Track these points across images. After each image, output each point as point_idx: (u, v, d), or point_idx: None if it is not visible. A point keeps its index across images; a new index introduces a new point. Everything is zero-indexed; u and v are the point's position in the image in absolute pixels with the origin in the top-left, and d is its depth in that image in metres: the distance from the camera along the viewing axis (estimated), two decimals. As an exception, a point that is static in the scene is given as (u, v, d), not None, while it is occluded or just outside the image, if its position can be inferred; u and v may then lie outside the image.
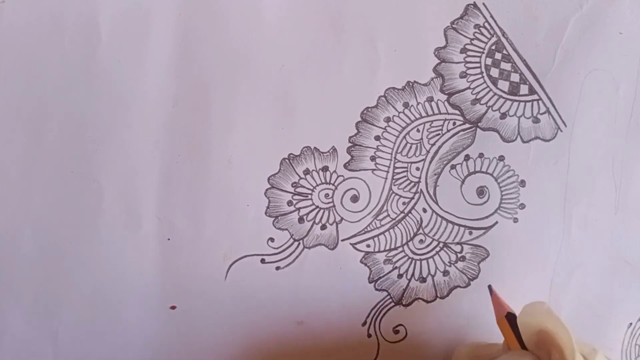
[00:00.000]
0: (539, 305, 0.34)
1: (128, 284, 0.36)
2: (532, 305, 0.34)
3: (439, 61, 0.37)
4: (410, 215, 0.38)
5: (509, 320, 0.35)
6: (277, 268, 0.37)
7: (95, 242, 0.35)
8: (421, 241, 0.39)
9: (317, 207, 0.37)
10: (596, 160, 0.39)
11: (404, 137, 0.37)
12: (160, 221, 0.36)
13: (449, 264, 0.39)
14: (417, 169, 0.38)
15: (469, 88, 0.37)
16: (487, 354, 0.35)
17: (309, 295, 0.38)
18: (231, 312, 0.37)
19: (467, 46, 0.37)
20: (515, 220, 0.39)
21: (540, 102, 0.38)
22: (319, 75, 0.36)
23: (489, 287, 0.39)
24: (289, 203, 0.37)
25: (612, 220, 0.40)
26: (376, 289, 0.39)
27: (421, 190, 0.38)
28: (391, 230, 0.38)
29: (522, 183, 0.39)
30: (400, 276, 0.39)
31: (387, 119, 0.37)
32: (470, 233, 0.39)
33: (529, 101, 0.38)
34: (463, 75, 0.37)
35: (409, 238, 0.38)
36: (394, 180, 0.38)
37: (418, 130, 0.37)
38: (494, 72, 0.37)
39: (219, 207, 0.36)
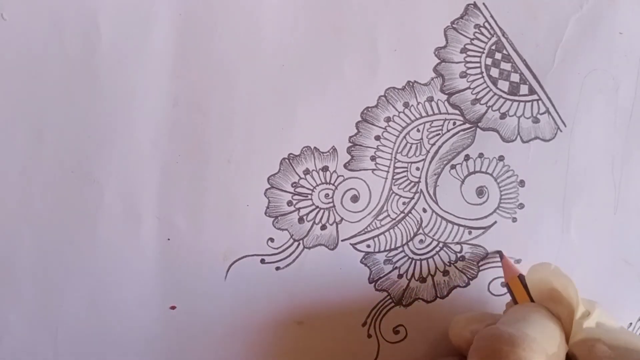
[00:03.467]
0: (547, 265, 0.35)
1: (128, 284, 0.36)
2: (539, 265, 0.35)
3: (439, 61, 0.37)
4: (410, 215, 0.38)
5: (521, 281, 0.36)
6: (277, 268, 0.37)
7: (95, 242, 0.35)
8: (421, 241, 0.39)
9: (317, 207, 0.37)
10: (596, 160, 0.39)
11: (404, 137, 0.37)
12: (160, 221, 0.36)
13: (448, 264, 0.39)
14: (417, 169, 0.38)
15: (469, 88, 0.37)
16: (491, 319, 0.35)
17: (309, 295, 0.38)
18: (231, 312, 0.37)
19: (467, 46, 0.37)
20: (514, 220, 0.39)
21: (540, 102, 0.38)
22: (319, 75, 0.36)
23: (499, 252, 0.39)
24: (289, 203, 0.37)
25: (611, 220, 0.40)
26: (376, 289, 0.39)
27: (421, 190, 0.38)
28: (391, 230, 0.38)
29: (522, 183, 0.39)
30: (400, 276, 0.39)
31: (387, 119, 0.37)
32: (470, 233, 0.39)
33: (528, 101, 0.38)
34: (463, 75, 0.37)
35: (409, 238, 0.38)
36: (394, 180, 0.38)
37: (418, 130, 0.37)
38: (494, 72, 0.37)
39: (218, 207, 0.36)
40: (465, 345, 0.34)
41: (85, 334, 0.36)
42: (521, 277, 0.36)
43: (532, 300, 0.35)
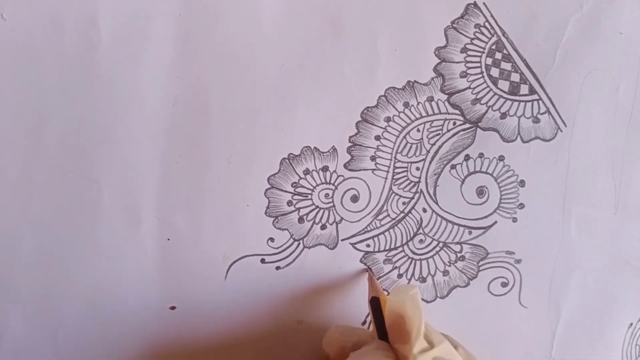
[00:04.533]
0: (406, 288, 0.32)
1: (128, 284, 0.36)
2: (399, 288, 0.32)
3: (439, 61, 0.37)
4: (410, 215, 0.38)
5: (373, 304, 0.33)
6: (277, 268, 0.37)
7: (95, 242, 0.35)
8: (421, 241, 0.39)
9: (317, 207, 0.37)
10: (596, 160, 0.39)
11: (404, 136, 0.37)
12: (160, 221, 0.36)
13: (448, 264, 0.39)
14: (417, 168, 0.38)
15: (469, 88, 0.37)
16: (357, 339, 0.33)
17: (309, 295, 0.38)
18: (231, 312, 0.37)
19: (467, 46, 0.37)
20: (515, 220, 0.39)
21: (540, 102, 0.38)
22: (319, 75, 0.36)
23: (368, 268, 0.37)
24: (289, 203, 0.37)
25: (611, 220, 0.40)
26: (376, 289, 0.39)
27: (421, 190, 0.38)
28: (391, 230, 0.38)
29: (522, 183, 0.39)
30: (400, 276, 0.39)
31: (387, 119, 0.37)
32: (470, 233, 0.39)
33: (529, 101, 0.38)
34: (463, 75, 0.37)
35: (408, 238, 0.38)
36: (394, 180, 0.38)
37: (418, 130, 0.37)
38: (494, 72, 0.37)
39: (218, 207, 0.36)
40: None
41: (85, 334, 0.36)
42: (373, 301, 0.33)
43: (383, 327, 0.32)
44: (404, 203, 0.38)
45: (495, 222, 0.39)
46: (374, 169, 0.37)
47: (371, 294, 0.35)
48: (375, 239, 0.38)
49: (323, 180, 0.37)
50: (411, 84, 0.37)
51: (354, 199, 0.37)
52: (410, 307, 0.31)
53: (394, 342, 0.31)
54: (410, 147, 0.37)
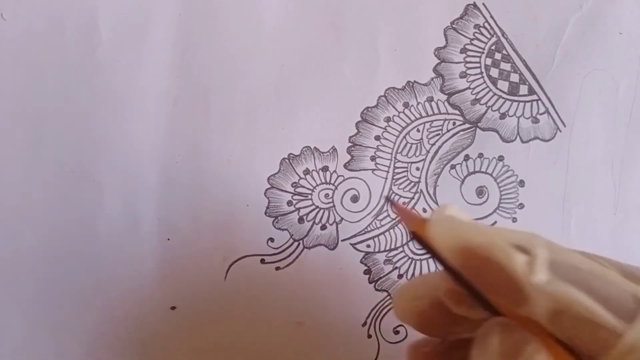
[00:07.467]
0: (447, 208, 0.22)
1: (128, 284, 0.36)
2: (440, 211, 0.22)
3: (439, 61, 0.37)
4: (410, 215, 0.38)
5: (418, 240, 0.22)
6: (277, 268, 0.37)
7: (94, 242, 0.35)
8: (421, 241, 0.39)
9: (317, 207, 0.37)
10: (596, 160, 0.39)
11: (404, 137, 0.37)
12: (160, 221, 0.36)
13: (448, 264, 0.39)
14: (417, 169, 0.38)
15: (468, 88, 0.37)
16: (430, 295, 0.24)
17: (309, 295, 0.38)
18: (231, 312, 0.37)
19: (467, 46, 0.37)
20: (514, 220, 0.39)
21: (539, 102, 0.38)
22: (319, 75, 0.36)
23: (387, 197, 0.30)
24: (289, 203, 0.37)
25: (611, 220, 0.40)
26: (376, 290, 0.39)
27: (421, 190, 0.38)
28: (391, 231, 0.38)
29: (521, 183, 0.39)
30: (400, 276, 0.39)
31: (387, 119, 0.37)
32: (470, 233, 0.39)
33: (528, 101, 0.38)
34: (463, 75, 0.37)
35: (409, 238, 0.38)
36: (394, 180, 0.38)
37: (418, 130, 0.37)
38: (494, 72, 0.37)
39: (219, 207, 0.36)
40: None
41: (85, 334, 0.36)
42: (416, 236, 0.23)
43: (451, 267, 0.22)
44: (404, 203, 0.38)
45: (495, 222, 0.39)
46: (374, 169, 0.37)
47: (412, 227, 0.23)
48: (376, 239, 0.38)
49: (323, 180, 0.37)
50: (411, 84, 0.37)
51: (354, 199, 0.37)
52: (469, 230, 0.19)
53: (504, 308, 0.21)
54: (410, 147, 0.38)
